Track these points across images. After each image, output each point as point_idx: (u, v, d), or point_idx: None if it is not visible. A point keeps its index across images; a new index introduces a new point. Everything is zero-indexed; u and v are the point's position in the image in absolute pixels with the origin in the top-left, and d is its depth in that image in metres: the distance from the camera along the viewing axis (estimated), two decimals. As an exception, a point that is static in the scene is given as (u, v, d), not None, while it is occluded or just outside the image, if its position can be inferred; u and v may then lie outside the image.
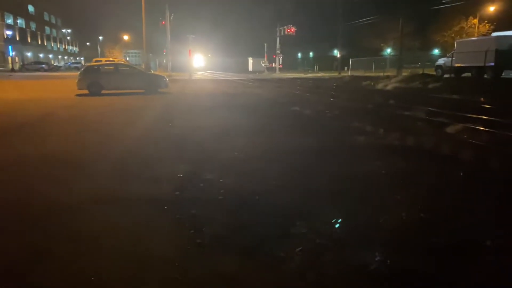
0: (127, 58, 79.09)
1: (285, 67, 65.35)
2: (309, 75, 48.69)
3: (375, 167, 5.32)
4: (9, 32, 65.53)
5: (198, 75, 46.16)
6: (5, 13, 67.68)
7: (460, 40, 31.99)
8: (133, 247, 3.11)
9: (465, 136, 7.62)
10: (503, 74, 24.48)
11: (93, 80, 17.17)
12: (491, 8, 48.25)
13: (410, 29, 48.89)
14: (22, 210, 3.90)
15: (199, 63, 62.32)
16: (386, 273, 2.73)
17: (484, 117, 9.72)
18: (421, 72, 29.35)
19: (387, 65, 40.89)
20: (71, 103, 14.04)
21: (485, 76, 24.02)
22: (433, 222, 3.58)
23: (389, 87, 22.91)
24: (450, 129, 8.31)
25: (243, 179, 4.84)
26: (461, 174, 5.03)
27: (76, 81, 17.34)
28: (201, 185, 4.62)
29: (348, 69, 47.81)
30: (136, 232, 3.38)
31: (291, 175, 5.05)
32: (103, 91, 17.19)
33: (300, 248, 3.03)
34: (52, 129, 8.62)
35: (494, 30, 39.59)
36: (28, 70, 55.18)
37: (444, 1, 39.05)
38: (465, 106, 12.60)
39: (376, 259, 2.88)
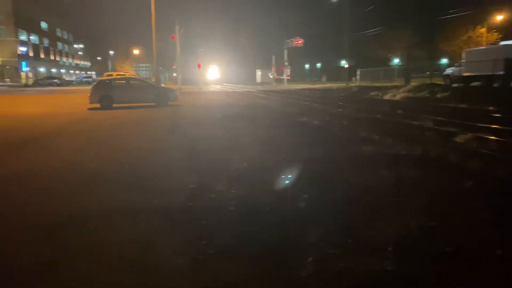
0: (137, 72, 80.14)
1: (292, 78, 65.60)
2: (317, 85, 48.88)
3: (385, 177, 5.37)
4: (23, 49, 66.98)
5: (211, 88, 46.51)
6: (19, 30, 69.32)
7: (469, 49, 31.92)
8: (145, 257, 3.21)
9: (474, 145, 7.64)
10: (512, 83, 24.36)
11: (105, 94, 17.49)
12: (499, 17, 48.15)
13: (417, 39, 48.85)
14: (36, 220, 4.03)
15: (214, 75, 62.94)
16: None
17: (494, 126, 9.70)
18: (429, 81, 29.32)
19: (395, 75, 40.95)
20: (83, 116, 14.32)
21: (495, 85, 23.92)
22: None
23: (397, 97, 22.92)
24: (459, 139, 8.33)
25: (254, 189, 4.92)
26: (471, 183, 5.05)
27: (88, 95, 17.68)
28: (213, 196, 4.72)
29: (356, 79, 47.92)
30: (148, 242, 3.48)
31: (302, 185, 5.12)
32: (114, 105, 17.50)
33: (311, 257, 3.11)
34: (64, 142, 8.81)
35: (502, 39, 39.44)
36: (40, 85, 56.26)
37: (450, 11, 39.12)
38: (474, 115, 12.58)
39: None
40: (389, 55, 61.47)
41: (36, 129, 10.98)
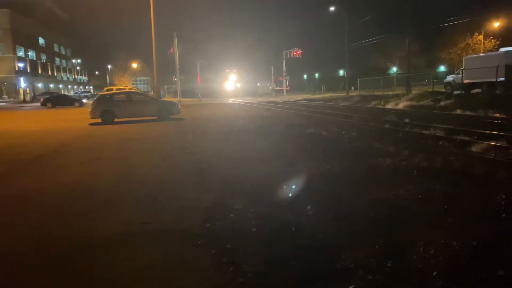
0: (136, 85, 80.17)
1: (292, 89, 65.85)
2: (317, 96, 48.82)
3: (411, 192, 5.12)
4: (20, 64, 67.09)
5: (212, 101, 46.39)
6: (17, 46, 69.46)
7: (469, 56, 31.95)
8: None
9: (493, 154, 7.41)
10: (514, 89, 24.23)
11: (106, 108, 17.23)
12: (496, 24, 48.51)
13: (416, 47, 49.11)
14: (45, 244, 3.75)
15: (230, 87, 62.90)
16: None
17: (507, 133, 9.48)
18: (430, 89, 29.21)
19: (395, 83, 40.92)
20: (84, 132, 14.04)
21: (497, 91, 23.81)
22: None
23: (400, 106, 22.79)
24: (475, 148, 8.10)
25: (274, 208, 4.65)
26: (503, 197, 4.79)
27: (89, 110, 17.44)
28: (231, 215, 4.45)
29: (355, 88, 47.91)
30: (169, 270, 3.21)
31: (324, 202, 4.85)
32: (116, 119, 17.25)
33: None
34: (68, 160, 8.52)
35: (500, 46, 39.59)
36: (39, 100, 56.02)
37: (448, 19, 39.31)
38: (483, 122, 12.41)
39: None
40: (388, 64, 61.78)
41: (40, 146, 10.69)
